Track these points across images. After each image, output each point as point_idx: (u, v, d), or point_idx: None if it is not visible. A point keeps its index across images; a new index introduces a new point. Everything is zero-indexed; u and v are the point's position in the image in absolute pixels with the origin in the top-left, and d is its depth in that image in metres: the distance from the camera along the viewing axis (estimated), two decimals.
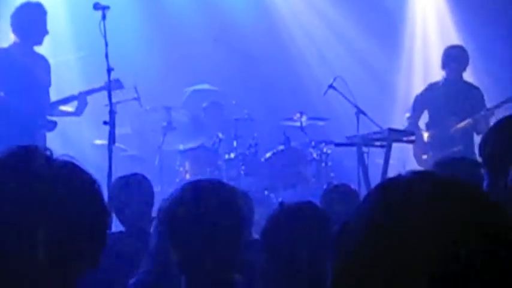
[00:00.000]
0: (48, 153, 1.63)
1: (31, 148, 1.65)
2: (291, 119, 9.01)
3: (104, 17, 5.97)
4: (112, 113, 5.88)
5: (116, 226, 4.86)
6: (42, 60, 7.01)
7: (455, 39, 9.96)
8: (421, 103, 8.00)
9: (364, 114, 7.96)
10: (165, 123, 8.94)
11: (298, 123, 8.95)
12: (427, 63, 10.57)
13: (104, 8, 5.99)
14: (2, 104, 6.53)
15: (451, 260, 1.10)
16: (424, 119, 8.13)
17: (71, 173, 1.62)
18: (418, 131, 7.87)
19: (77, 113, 7.26)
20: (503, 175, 2.40)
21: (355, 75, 9.79)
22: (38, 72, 6.82)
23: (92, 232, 1.62)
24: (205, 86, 10.02)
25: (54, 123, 6.95)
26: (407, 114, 8.07)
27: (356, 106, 8.03)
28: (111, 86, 6.13)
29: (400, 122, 8.35)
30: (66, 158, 1.64)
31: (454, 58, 7.85)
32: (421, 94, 8.07)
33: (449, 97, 7.77)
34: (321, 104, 8.99)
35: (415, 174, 1.21)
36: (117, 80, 6.50)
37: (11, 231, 1.55)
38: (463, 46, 8.14)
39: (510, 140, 2.48)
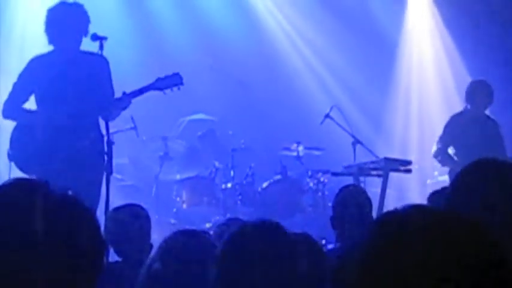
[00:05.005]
0: (47, 186, 1.64)
1: (30, 181, 1.65)
2: (287, 149, 9.02)
3: (101, 48, 5.95)
4: (110, 143, 5.85)
5: (112, 257, 4.83)
6: (93, 59, 6.14)
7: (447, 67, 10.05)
8: (450, 135, 7.65)
9: (361, 143, 7.97)
10: (161, 153, 8.95)
11: (295, 153, 8.97)
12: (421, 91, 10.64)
13: (102, 39, 5.97)
14: (29, 123, 6.00)
15: None
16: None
17: (69, 206, 1.62)
18: (451, 160, 7.61)
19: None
20: None
21: (352, 104, 9.83)
22: (78, 76, 6.13)
23: (86, 265, 1.62)
24: (201, 116, 10.03)
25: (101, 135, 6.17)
26: (436, 147, 7.67)
27: (353, 135, 8.05)
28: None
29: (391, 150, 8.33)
30: (64, 191, 1.65)
31: (481, 93, 7.60)
32: (448, 126, 7.72)
33: (478, 132, 7.48)
34: (318, 134, 9.00)
35: (411, 208, 1.23)
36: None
37: (5, 261, 1.54)
38: (486, 81, 7.76)
39: None
